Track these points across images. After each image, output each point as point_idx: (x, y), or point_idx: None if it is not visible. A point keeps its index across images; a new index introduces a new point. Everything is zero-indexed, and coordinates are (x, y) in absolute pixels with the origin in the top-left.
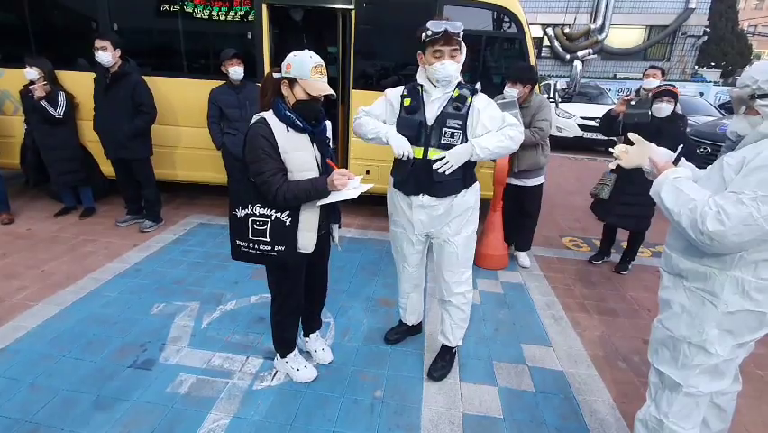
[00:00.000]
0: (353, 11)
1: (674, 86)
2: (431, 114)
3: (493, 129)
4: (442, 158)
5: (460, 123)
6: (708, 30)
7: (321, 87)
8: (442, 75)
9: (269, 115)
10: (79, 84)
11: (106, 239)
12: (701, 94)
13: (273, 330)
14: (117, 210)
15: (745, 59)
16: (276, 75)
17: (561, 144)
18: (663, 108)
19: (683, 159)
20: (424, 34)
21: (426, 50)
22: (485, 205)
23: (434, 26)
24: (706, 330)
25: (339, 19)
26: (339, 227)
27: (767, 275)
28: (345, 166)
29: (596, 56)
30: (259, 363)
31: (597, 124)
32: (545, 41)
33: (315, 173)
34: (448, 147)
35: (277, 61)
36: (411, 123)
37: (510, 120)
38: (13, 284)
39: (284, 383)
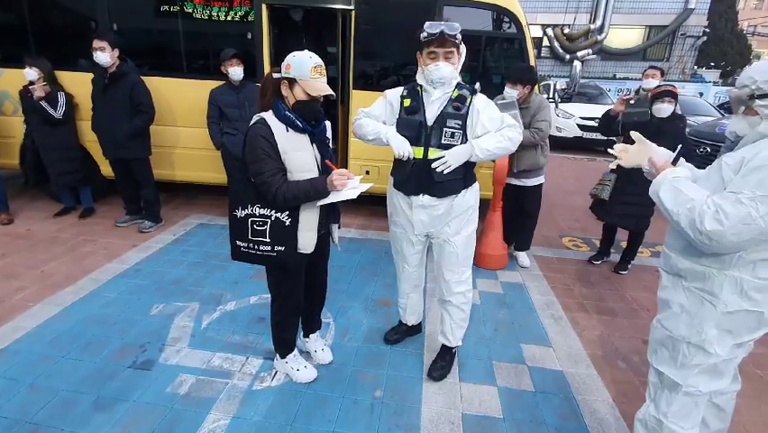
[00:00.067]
0: (353, 11)
1: (674, 86)
2: (431, 114)
3: (492, 130)
4: (441, 157)
5: (460, 123)
6: (707, 30)
7: (320, 87)
8: (436, 76)
9: (268, 116)
10: (79, 84)
11: (106, 239)
12: (701, 94)
13: (273, 330)
14: (116, 211)
15: (744, 59)
16: (275, 75)
17: (560, 144)
18: (664, 109)
19: (682, 159)
20: (421, 35)
21: (423, 51)
22: (485, 205)
23: (429, 28)
24: (705, 330)
25: (339, 19)
26: (339, 227)
27: (766, 275)
28: (345, 166)
29: (595, 56)
30: (258, 363)
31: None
32: (545, 42)
33: (314, 173)
34: (448, 147)
35: (276, 62)
36: (411, 123)
37: (509, 121)
38: (12, 285)
39: (284, 384)
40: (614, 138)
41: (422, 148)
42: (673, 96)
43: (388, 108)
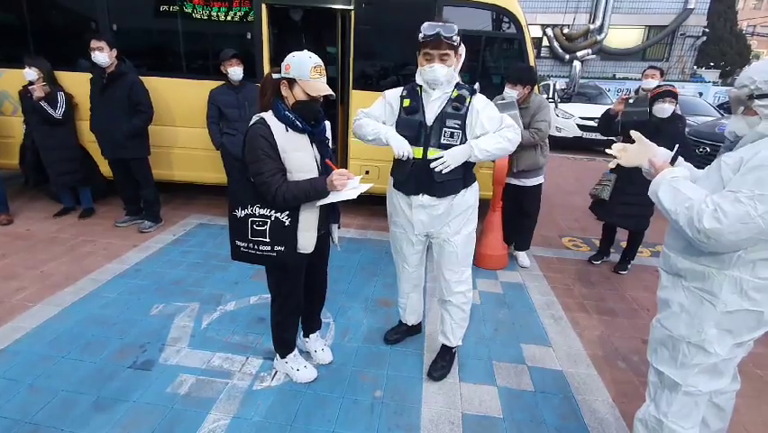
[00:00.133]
0: (353, 11)
1: (674, 86)
2: (430, 114)
3: (492, 130)
4: (440, 157)
5: (459, 123)
6: (706, 30)
7: (320, 87)
8: (430, 78)
9: (268, 116)
10: (79, 84)
11: (105, 240)
12: (700, 94)
13: (273, 330)
14: (116, 211)
15: (743, 59)
16: (275, 75)
17: (560, 144)
18: (665, 109)
19: (682, 159)
20: (419, 36)
21: (420, 52)
22: (484, 205)
23: (427, 29)
24: (705, 329)
25: (338, 19)
26: (338, 227)
27: (765, 274)
28: (345, 166)
29: (595, 56)
30: (258, 363)
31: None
32: (544, 42)
33: (314, 174)
34: (448, 147)
35: (276, 62)
36: (411, 123)
37: (508, 121)
38: (12, 285)
39: (284, 384)
40: (613, 138)
41: (421, 148)
42: (674, 96)
43: (388, 108)
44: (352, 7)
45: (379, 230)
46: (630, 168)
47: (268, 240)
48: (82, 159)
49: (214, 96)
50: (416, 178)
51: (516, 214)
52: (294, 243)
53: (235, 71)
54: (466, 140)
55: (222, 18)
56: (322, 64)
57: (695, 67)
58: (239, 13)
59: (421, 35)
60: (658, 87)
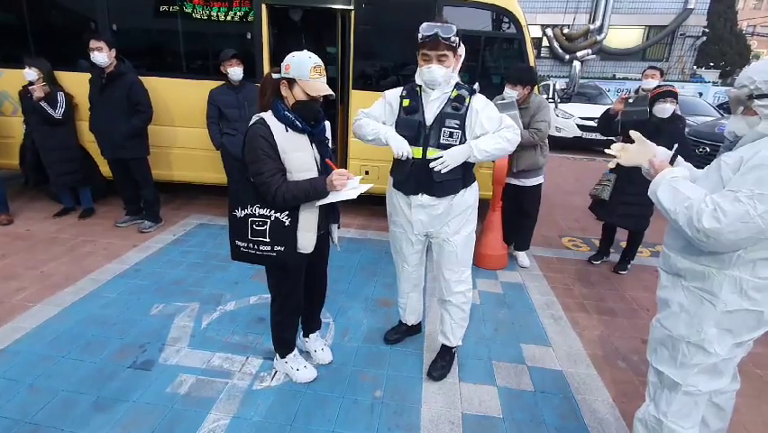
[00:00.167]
0: (353, 11)
1: (674, 86)
2: (430, 114)
3: (491, 130)
4: (439, 157)
5: (458, 123)
6: (706, 30)
7: (320, 87)
8: (427, 78)
9: (268, 116)
10: (79, 84)
11: (105, 240)
12: (700, 94)
13: (273, 330)
14: (116, 211)
15: (743, 59)
16: (275, 75)
17: (560, 144)
18: (666, 109)
19: (682, 159)
20: (418, 36)
21: (419, 52)
22: (484, 205)
23: (425, 30)
24: (704, 329)
25: (338, 19)
26: (338, 227)
27: (765, 274)
28: (344, 166)
29: (595, 56)
30: (258, 363)
31: (596, 124)
32: (544, 42)
33: (314, 174)
34: (447, 147)
35: (276, 62)
36: (410, 123)
37: (507, 122)
38: (12, 285)
39: (284, 384)
40: (613, 138)
41: (421, 148)
42: (675, 96)
43: (388, 109)
44: (351, 7)
45: (379, 230)
46: (630, 168)
47: (268, 240)
48: (82, 159)
49: (213, 96)
50: (415, 177)
51: (515, 214)
52: (294, 243)
53: (235, 71)
54: (465, 140)
55: (222, 18)
56: (322, 64)
57: (695, 67)
58: (239, 13)
59: (419, 36)
60: (658, 87)
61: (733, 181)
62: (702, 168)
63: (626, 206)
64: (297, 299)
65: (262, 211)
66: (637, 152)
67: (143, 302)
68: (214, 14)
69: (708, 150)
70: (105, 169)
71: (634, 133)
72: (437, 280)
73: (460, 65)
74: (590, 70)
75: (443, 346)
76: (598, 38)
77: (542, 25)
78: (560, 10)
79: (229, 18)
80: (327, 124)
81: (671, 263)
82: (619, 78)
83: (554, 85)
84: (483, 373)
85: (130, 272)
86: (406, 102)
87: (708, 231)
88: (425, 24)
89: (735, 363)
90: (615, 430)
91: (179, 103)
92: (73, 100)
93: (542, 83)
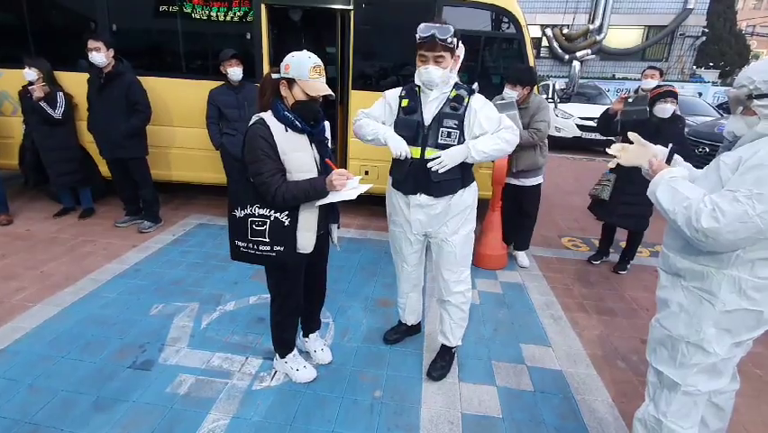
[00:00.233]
0: (352, 11)
1: (674, 86)
2: (428, 114)
3: (490, 131)
4: (437, 157)
5: (457, 123)
6: (706, 30)
7: (319, 87)
8: (425, 79)
9: (267, 116)
10: (78, 84)
11: (105, 240)
12: (699, 94)
13: (272, 330)
14: (116, 211)
15: (743, 59)
16: (274, 75)
17: (559, 144)
18: (667, 109)
19: (681, 159)
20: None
21: (417, 53)
22: (484, 205)
23: (422, 30)
24: (704, 329)
25: (338, 19)
26: (338, 227)
27: (764, 274)
28: (344, 166)
29: (594, 56)
30: (258, 363)
31: (595, 124)
32: (544, 42)
33: (313, 174)
34: (445, 147)
35: (276, 62)
36: (409, 123)
37: (507, 122)
38: (11, 285)
39: (283, 384)
40: (613, 138)
41: (419, 148)
42: (675, 96)
43: (387, 109)
44: (351, 7)
45: (379, 230)
46: (630, 168)
47: (267, 240)
48: (82, 159)
49: (213, 96)
50: (413, 177)
51: (515, 214)
52: (293, 243)
53: (235, 71)
54: (464, 140)
55: (221, 18)
56: (321, 64)
57: (694, 67)
58: (238, 14)
59: (417, 37)
60: (658, 87)
61: (732, 181)
62: (702, 168)
63: (626, 206)
64: (296, 299)
65: (262, 211)
66: (637, 152)
67: (143, 302)
68: (214, 14)
69: (708, 150)
70: (104, 169)
71: (632, 135)
72: (436, 280)
73: (459, 65)
74: (590, 70)
75: (443, 346)
76: (598, 38)
77: (541, 25)
78: (559, 10)
79: (229, 18)
80: (327, 124)
81: (670, 263)
82: (619, 78)
83: (554, 85)
84: (483, 373)
85: (129, 272)
86: (404, 102)
87: (707, 231)
88: (422, 25)
89: (734, 363)
90: (614, 430)
91: (179, 103)
92: (73, 100)
93: (541, 83)
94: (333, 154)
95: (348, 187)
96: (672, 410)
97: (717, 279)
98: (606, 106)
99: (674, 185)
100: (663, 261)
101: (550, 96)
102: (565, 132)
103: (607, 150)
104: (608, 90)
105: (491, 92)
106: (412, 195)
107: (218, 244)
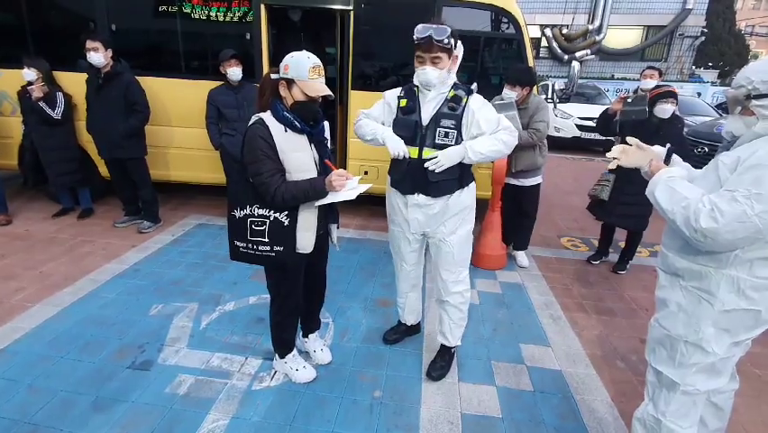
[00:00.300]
0: (352, 11)
1: (673, 87)
2: (426, 114)
3: (488, 131)
4: (434, 157)
5: (454, 123)
6: (705, 30)
7: (319, 87)
8: (422, 80)
9: (267, 116)
10: (77, 84)
11: (104, 240)
12: (699, 94)
13: (272, 331)
14: (115, 211)
15: (742, 59)
16: (274, 76)
17: (558, 145)
18: (667, 109)
19: (679, 159)
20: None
21: (415, 54)
22: (483, 205)
23: (419, 31)
24: (702, 329)
25: (337, 20)
26: (337, 228)
27: (762, 273)
28: (344, 166)
29: (594, 56)
30: (258, 363)
31: (594, 125)
32: (543, 42)
33: (313, 174)
34: (443, 147)
35: (275, 62)
36: (407, 123)
37: (505, 123)
38: (11, 285)
39: (283, 384)
40: (612, 138)
41: (417, 148)
42: (675, 97)
43: (386, 109)
44: (351, 7)
45: (378, 230)
46: (629, 168)
47: (267, 240)
48: (81, 159)
49: (213, 96)
50: (411, 177)
51: (514, 214)
52: (293, 243)
53: (234, 72)
54: (462, 140)
55: (221, 18)
56: (320, 64)
57: (693, 67)
58: (238, 14)
59: (414, 37)
60: (657, 87)
61: (730, 181)
62: (701, 168)
63: (625, 206)
64: (296, 300)
65: (261, 211)
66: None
67: (142, 302)
68: (214, 15)
69: (707, 150)
70: (103, 169)
71: (632, 140)
72: (435, 280)
73: (457, 66)
74: (589, 70)
75: (442, 346)
76: (597, 38)
77: (541, 25)
78: (559, 10)
79: (228, 18)
80: (326, 124)
81: (669, 263)
82: (618, 79)
83: (553, 85)
84: (482, 372)
85: (129, 273)
86: (403, 102)
87: (706, 231)
88: (419, 26)
89: (733, 363)
90: (613, 430)
91: (179, 103)
92: (72, 100)
93: (540, 83)
94: (332, 154)
95: (347, 187)
96: (671, 410)
97: (716, 278)
98: (605, 106)
99: (673, 185)
100: (662, 261)
101: (549, 96)
102: (564, 132)
103: (607, 154)
104: (608, 90)
105: (490, 92)
106: (410, 194)
107: (217, 245)
